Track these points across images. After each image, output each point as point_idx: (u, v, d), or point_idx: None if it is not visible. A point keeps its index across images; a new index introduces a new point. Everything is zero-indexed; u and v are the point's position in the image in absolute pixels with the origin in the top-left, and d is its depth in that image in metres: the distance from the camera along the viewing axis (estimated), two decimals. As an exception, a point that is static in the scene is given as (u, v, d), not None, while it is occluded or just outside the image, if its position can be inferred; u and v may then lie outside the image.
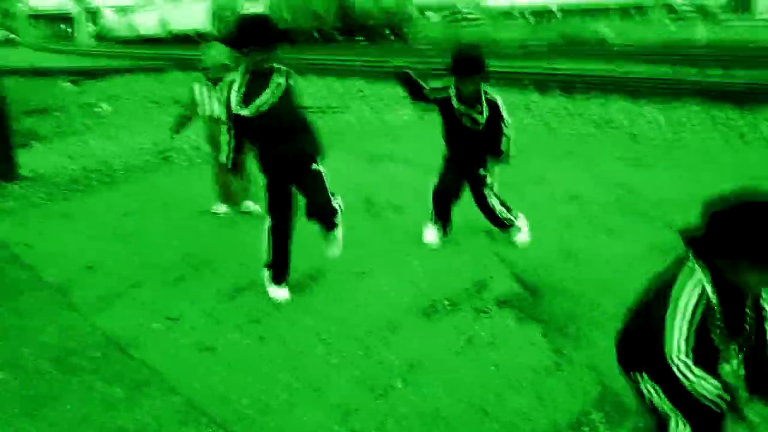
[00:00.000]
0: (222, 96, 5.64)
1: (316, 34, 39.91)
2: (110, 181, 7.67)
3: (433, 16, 55.73)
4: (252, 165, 4.52)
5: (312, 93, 15.02)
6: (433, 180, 4.89)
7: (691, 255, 1.98)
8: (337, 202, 4.02)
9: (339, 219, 4.11)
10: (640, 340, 2.14)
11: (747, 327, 2.07)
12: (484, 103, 4.48)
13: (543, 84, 13.53)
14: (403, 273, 4.45)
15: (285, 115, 3.79)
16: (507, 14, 51.74)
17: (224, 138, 3.98)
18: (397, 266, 4.58)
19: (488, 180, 4.74)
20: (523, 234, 4.89)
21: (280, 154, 3.84)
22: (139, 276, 4.67)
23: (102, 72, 22.56)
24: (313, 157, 3.95)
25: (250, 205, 6.03)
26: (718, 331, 1.99)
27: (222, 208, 6.09)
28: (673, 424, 2.11)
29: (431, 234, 4.94)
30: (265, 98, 3.72)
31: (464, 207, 5.01)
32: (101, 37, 79.87)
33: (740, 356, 2.10)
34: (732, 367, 2.11)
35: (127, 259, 5.05)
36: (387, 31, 42.12)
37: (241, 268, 4.65)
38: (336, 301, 4.08)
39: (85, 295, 4.42)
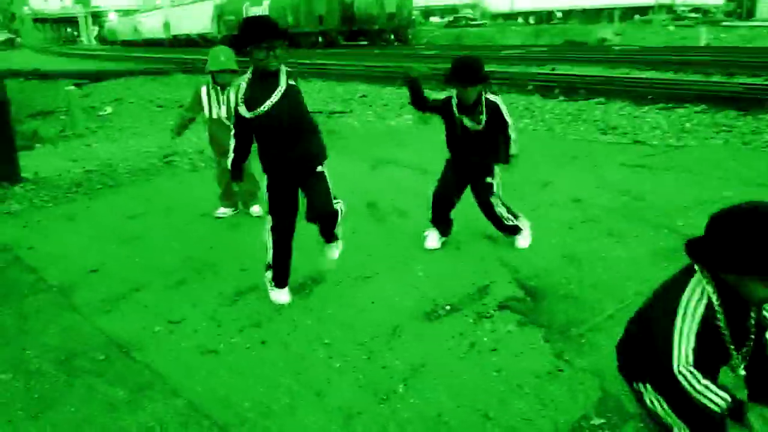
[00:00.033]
0: (229, 99, 5.68)
1: (319, 38, 40.01)
2: (113, 184, 7.69)
3: (436, 20, 55.83)
4: (257, 168, 4.55)
5: (315, 96, 15.06)
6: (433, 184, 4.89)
7: (696, 267, 1.97)
8: (338, 206, 4.01)
9: (339, 223, 4.10)
10: (643, 350, 2.13)
11: (751, 336, 2.07)
12: (484, 106, 4.49)
13: (546, 88, 13.58)
14: (405, 277, 4.46)
15: (291, 116, 3.77)
16: (509, 17, 51.81)
17: (231, 142, 3.99)
18: (400, 270, 4.59)
19: (495, 188, 4.74)
20: (525, 238, 4.90)
21: (285, 156, 3.82)
22: (141, 279, 4.69)
23: (106, 75, 22.62)
24: (317, 160, 3.94)
25: (257, 210, 6.03)
26: (723, 342, 1.99)
27: (224, 212, 6.11)
28: None
29: (433, 239, 4.94)
30: (271, 99, 3.69)
31: (466, 211, 5.02)
32: (105, 40, 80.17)
33: (743, 364, 2.10)
34: (737, 374, 2.11)
35: (130, 262, 5.07)
36: (390, 36, 42.21)
37: (243, 272, 4.67)
38: (338, 305, 4.09)
39: (88, 297, 4.44)
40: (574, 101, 12.19)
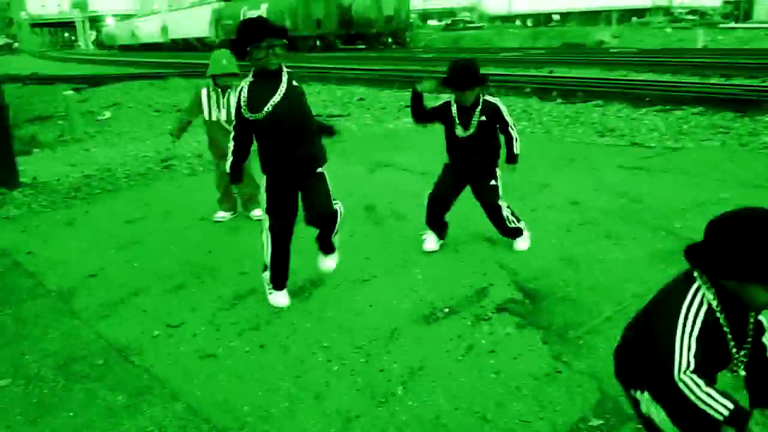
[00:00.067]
0: (229, 103, 5.69)
1: (317, 42, 40.07)
2: (112, 188, 7.70)
3: (434, 23, 55.89)
4: (257, 169, 4.54)
5: (313, 100, 15.07)
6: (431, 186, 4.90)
7: (696, 273, 1.97)
8: (337, 206, 4.01)
9: (337, 229, 4.08)
10: (642, 357, 2.11)
11: (749, 340, 2.08)
12: (481, 108, 4.51)
13: (544, 91, 13.60)
14: (403, 280, 4.47)
15: (293, 117, 3.76)
16: (507, 20, 51.90)
17: (230, 144, 3.99)
18: (398, 273, 4.60)
19: (500, 191, 4.75)
20: (524, 241, 4.91)
21: (287, 157, 3.81)
22: (140, 283, 4.69)
23: (104, 79, 22.63)
24: (318, 161, 3.94)
25: (258, 213, 6.03)
26: (723, 346, 1.99)
27: (223, 215, 6.11)
28: None
29: (431, 241, 4.95)
30: (274, 100, 3.69)
31: (464, 214, 5.04)
32: (102, 44, 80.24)
33: (742, 367, 2.10)
34: (738, 377, 2.11)
35: (129, 266, 5.07)
36: (388, 39, 42.26)
37: (242, 275, 4.67)
38: (337, 308, 4.09)
39: (86, 302, 4.44)
40: (571, 104, 12.21)
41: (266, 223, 4.02)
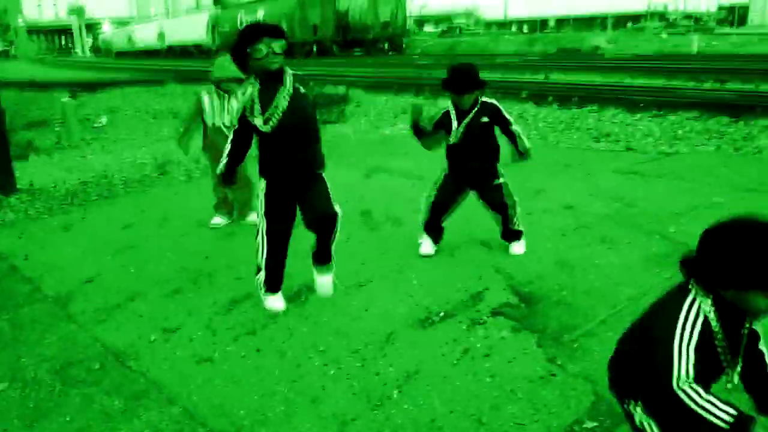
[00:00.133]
0: (232, 107, 5.70)
1: (314, 48, 40.16)
2: (109, 194, 7.71)
3: (431, 29, 56.03)
4: (254, 175, 4.53)
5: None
6: (428, 191, 4.91)
7: (692, 283, 1.98)
8: (337, 209, 4.01)
9: (336, 233, 4.07)
10: (637, 368, 2.11)
11: (743, 347, 2.09)
12: (478, 109, 4.55)
13: (539, 96, 13.64)
14: (399, 285, 4.48)
15: (299, 124, 3.76)
16: (503, 26, 52.05)
17: (227, 147, 3.96)
18: (394, 278, 4.61)
19: (506, 189, 4.77)
20: (520, 245, 4.93)
21: (288, 162, 3.81)
22: (137, 288, 4.70)
23: (100, 85, 22.65)
24: (318, 167, 3.95)
25: (253, 218, 6.04)
26: (719, 355, 1.99)
27: (219, 221, 6.12)
28: None
29: (427, 246, 4.97)
30: (281, 107, 3.68)
31: (461, 218, 5.05)
32: (99, 50, 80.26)
33: (737, 376, 2.11)
34: (733, 383, 2.12)
35: (125, 271, 5.08)
36: (385, 44, 42.38)
37: (239, 281, 4.68)
38: (333, 313, 4.10)
39: (83, 307, 4.45)
40: (567, 109, 12.25)
41: (262, 226, 4.01)
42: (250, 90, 3.76)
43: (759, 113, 10.00)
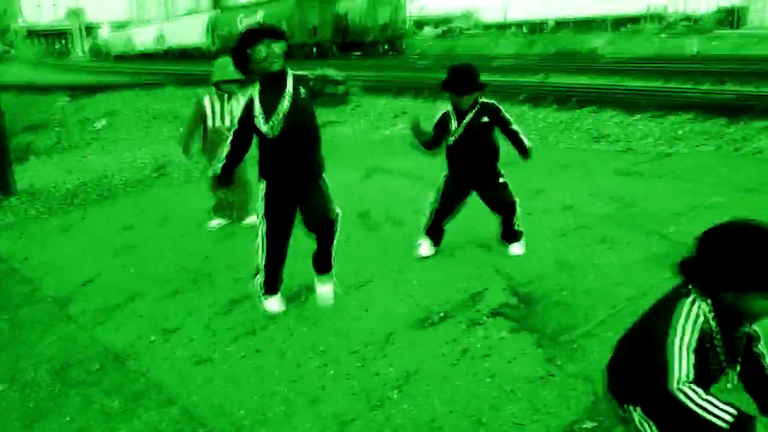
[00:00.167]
0: (233, 109, 5.71)
1: (313, 50, 40.17)
2: (108, 195, 7.72)
3: (430, 31, 56.05)
4: (251, 177, 4.51)
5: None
6: (432, 196, 4.90)
7: (690, 286, 1.98)
8: (337, 213, 4.01)
9: (336, 235, 4.05)
10: (636, 371, 2.11)
11: (741, 350, 2.09)
12: (477, 109, 4.56)
13: (538, 98, 13.64)
14: (399, 285, 4.49)
15: (301, 127, 3.74)
16: (501, 27, 52.09)
17: (226, 148, 3.92)
18: (394, 278, 4.61)
19: (509, 188, 4.78)
20: (519, 246, 4.93)
21: (290, 165, 3.80)
22: (136, 289, 4.71)
23: (99, 88, 22.64)
24: (319, 170, 3.95)
25: (251, 220, 6.04)
26: (717, 357, 1.99)
27: (218, 222, 6.12)
28: None
29: (425, 247, 4.97)
30: (283, 113, 3.67)
31: (460, 218, 5.05)
32: (98, 53, 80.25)
33: (735, 377, 2.11)
34: (732, 384, 2.12)
35: (125, 272, 5.09)
36: (384, 46, 42.38)
37: (238, 281, 4.69)
38: (333, 313, 4.11)
39: (83, 308, 4.46)
40: (566, 110, 12.25)
41: (262, 228, 4.00)
42: (251, 93, 3.74)
43: (758, 114, 10.00)
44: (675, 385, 1.86)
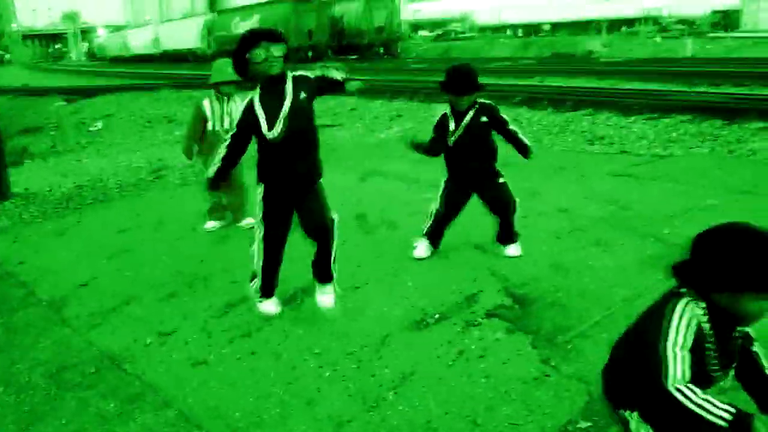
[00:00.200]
0: (232, 111, 5.71)
1: (309, 53, 40.19)
2: (104, 198, 7.71)
3: (425, 34, 56.12)
4: (247, 179, 4.48)
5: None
6: (433, 200, 4.89)
7: (684, 289, 1.99)
8: (334, 218, 4.00)
9: (335, 237, 4.05)
10: (632, 375, 2.11)
11: (736, 351, 2.10)
12: (475, 109, 4.58)
13: (534, 100, 13.68)
14: (395, 287, 4.49)
15: (300, 131, 3.72)
16: (497, 30, 52.16)
17: (222, 151, 3.89)
18: (390, 281, 4.62)
19: (508, 188, 4.80)
20: (516, 247, 4.94)
21: (289, 169, 3.78)
22: (132, 292, 4.70)
23: (95, 91, 22.64)
24: (317, 175, 3.93)
25: (249, 222, 6.04)
26: (714, 359, 2.00)
27: (213, 224, 6.12)
28: None
29: (422, 249, 4.98)
30: (283, 117, 3.64)
31: (454, 221, 5.06)
32: (94, 56, 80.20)
33: (729, 379, 2.12)
34: (725, 387, 2.12)
35: (120, 275, 5.08)
36: (380, 49, 42.42)
37: (234, 284, 4.68)
38: (329, 315, 4.11)
39: (78, 311, 4.45)
40: (561, 112, 12.29)
41: (259, 233, 4.00)
42: (251, 96, 3.72)
43: (753, 116, 10.05)
44: (671, 385, 1.86)
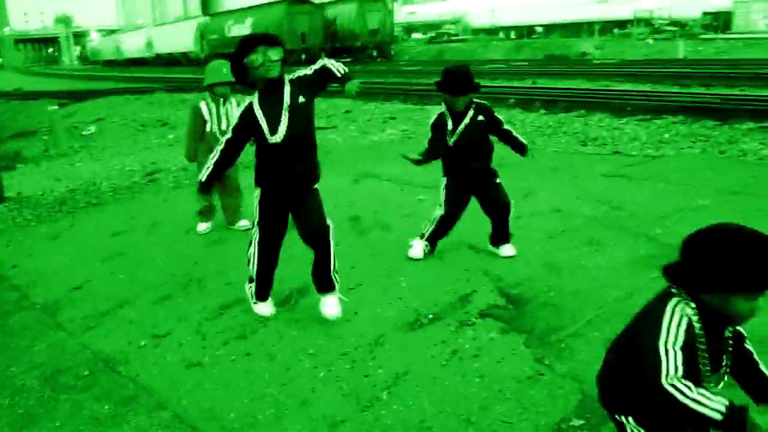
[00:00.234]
0: (228, 113, 5.70)
1: (302, 56, 40.21)
2: (97, 202, 7.70)
3: (418, 36, 56.23)
4: (243, 181, 4.45)
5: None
6: (440, 208, 4.89)
7: (675, 290, 2.01)
8: (329, 223, 3.99)
9: (332, 244, 3.99)
10: (626, 379, 2.12)
11: (729, 350, 2.11)
12: (473, 109, 4.60)
13: (527, 102, 13.73)
14: (389, 288, 4.50)
15: (300, 134, 3.71)
16: (490, 32, 52.30)
17: (216, 155, 3.81)
18: (384, 282, 4.63)
19: (504, 189, 4.82)
20: (511, 247, 4.96)
21: (288, 173, 3.76)
22: (126, 295, 4.70)
23: (88, 94, 22.60)
24: (315, 178, 3.93)
25: (245, 224, 6.05)
26: (704, 360, 2.01)
27: (206, 226, 6.12)
28: None
29: (418, 250, 4.99)
30: (281, 115, 3.63)
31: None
32: (87, 59, 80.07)
33: (720, 381, 2.13)
34: (717, 388, 2.14)
35: (115, 278, 5.08)
36: (373, 52, 42.47)
37: (228, 286, 4.69)
38: (322, 317, 4.11)
39: (72, 314, 4.45)
40: (554, 114, 12.34)
41: (256, 237, 3.99)
42: (250, 100, 3.70)
43: (744, 117, 10.11)
44: (665, 380, 1.87)
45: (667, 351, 1.91)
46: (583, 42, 37.42)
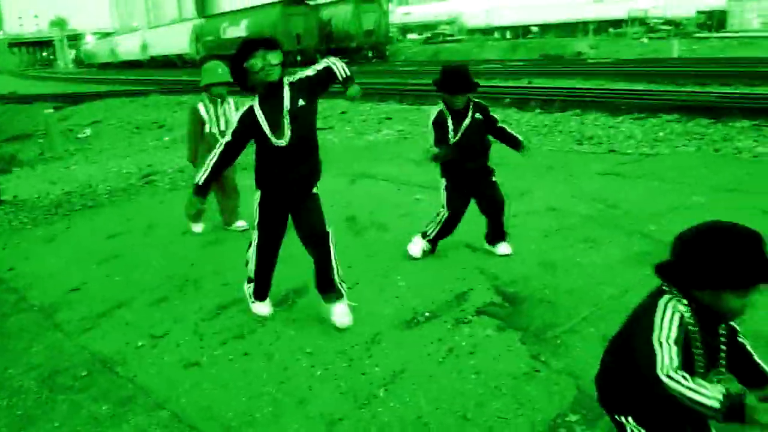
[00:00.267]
0: (226, 114, 5.71)
1: (297, 57, 40.21)
2: (93, 204, 7.70)
3: (414, 37, 56.26)
4: (241, 182, 4.44)
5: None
6: (442, 211, 4.90)
7: (667, 287, 2.03)
8: (329, 230, 3.96)
9: (333, 249, 3.96)
10: (624, 379, 2.14)
11: (722, 347, 2.13)
12: (472, 107, 4.63)
13: (523, 101, 13.75)
14: (386, 287, 4.52)
15: (301, 136, 3.68)
16: (486, 32, 52.35)
17: (214, 159, 3.74)
18: (380, 281, 4.64)
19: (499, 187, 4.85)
20: (506, 245, 4.98)
21: (289, 175, 3.75)
22: (123, 296, 4.71)
23: (84, 97, 22.58)
24: (316, 180, 3.92)
25: (242, 224, 6.06)
26: (697, 356, 2.03)
27: (201, 227, 6.13)
28: None
29: (417, 247, 5.00)
30: (282, 118, 3.61)
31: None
32: (82, 62, 79.97)
33: (716, 377, 2.15)
34: (718, 379, 2.15)
35: (111, 280, 5.09)
36: (369, 53, 42.48)
37: (225, 286, 4.70)
38: (320, 315, 4.12)
39: (70, 316, 4.46)
40: (550, 113, 12.36)
41: (255, 238, 4.00)
42: (249, 104, 3.68)
43: (738, 115, 10.15)
44: (662, 372, 1.88)
45: (661, 344, 1.92)
46: (578, 42, 37.49)
